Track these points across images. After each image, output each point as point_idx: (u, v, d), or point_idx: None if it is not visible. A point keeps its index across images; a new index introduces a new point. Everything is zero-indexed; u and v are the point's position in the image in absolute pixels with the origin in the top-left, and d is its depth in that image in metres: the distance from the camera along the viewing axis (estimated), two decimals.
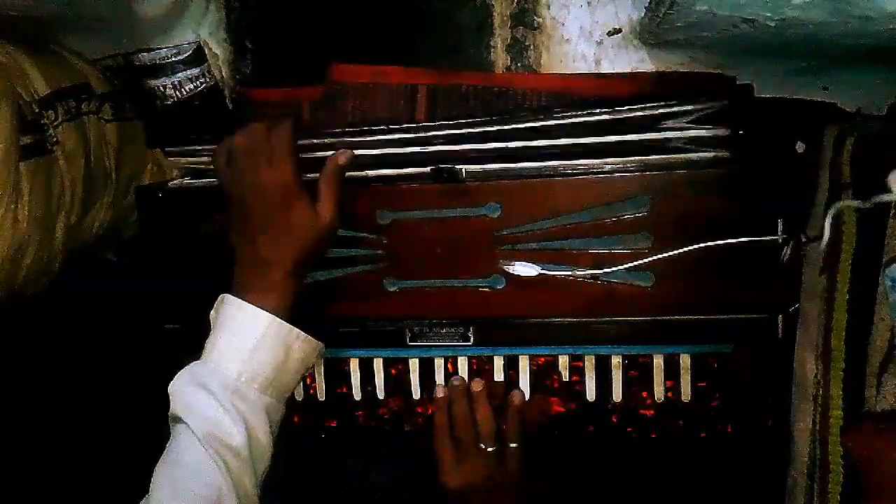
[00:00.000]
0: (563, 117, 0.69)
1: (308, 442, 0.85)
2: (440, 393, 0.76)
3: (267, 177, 0.61)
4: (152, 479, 0.54)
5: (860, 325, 0.55)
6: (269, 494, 0.86)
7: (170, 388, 0.58)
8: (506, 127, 0.70)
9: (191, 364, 0.59)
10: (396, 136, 0.72)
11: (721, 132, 0.66)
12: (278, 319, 0.60)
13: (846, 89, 0.66)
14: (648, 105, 0.67)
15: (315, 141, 0.73)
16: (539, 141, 0.69)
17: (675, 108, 0.66)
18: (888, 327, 0.53)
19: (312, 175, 0.65)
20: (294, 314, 0.62)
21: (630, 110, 0.67)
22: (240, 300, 0.60)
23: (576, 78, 0.70)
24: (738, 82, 0.68)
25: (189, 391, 0.57)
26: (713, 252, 0.64)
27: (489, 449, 0.73)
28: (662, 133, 0.68)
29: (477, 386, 0.75)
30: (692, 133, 0.67)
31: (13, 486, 0.76)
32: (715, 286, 0.67)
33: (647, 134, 0.68)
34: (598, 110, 0.68)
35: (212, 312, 0.62)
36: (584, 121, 0.68)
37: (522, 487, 0.73)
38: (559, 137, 0.69)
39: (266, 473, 0.59)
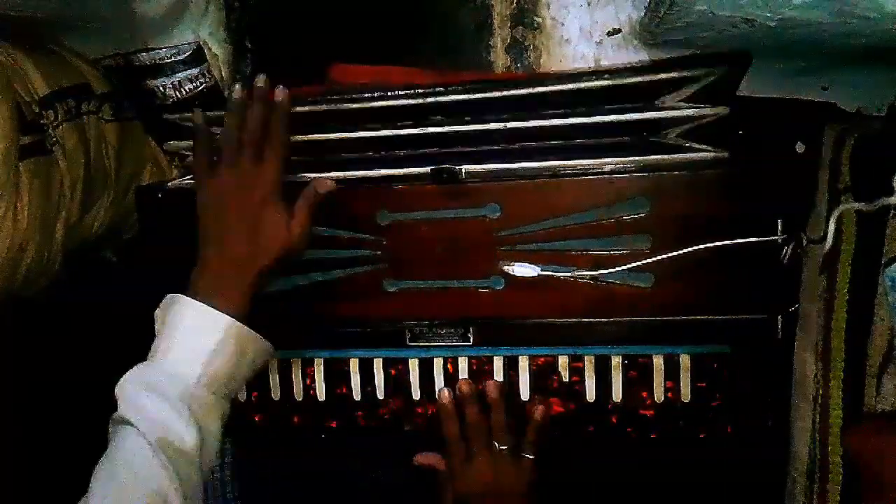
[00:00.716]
0: (562, 82, 0.67)
1: (308, 442, 0.85)
2: (445, 398, 0.75)
3: (251, 179, 0.62)
4: (92, 480, 0.53)
5: (860, 325, 0.55)
6: (268, 495, 0.87)
7: (117, 390, 0.57)
8: (502, 93, 0.68)
9: (139, 365, 0.58)
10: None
11: (720, 110, 0.66)
12: (238, 323, 0.60)
13: (846, 89, 0.66)
14: (646, 70, 0.66)
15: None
16: (537, 122, 0.68)
17: (672, 74, 0.65)
18: (888, 327, 0.53)
19: (306, 176, 0.65)
20: (251, 318, 0.62)
21: (627, 75, 0.66)
22: (198, 302, 0.59)
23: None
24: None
25: (140, 394, 0.56)
26: (713, 253, 0.64)
27: (502, 447, 0.73)
28: (662, 112, 0.67)
29: (493, 392, 0.74)
30: (690, 112, 0.66)
31: (12, 487, 0.76)
32: (715, 287, 0.67)
33: (645, 113, 0.67)
34: (594, 76, 0.67)
35: (157, 311, 0.61)
36: (582, 86, 0.67)
37: (534, 496, 0.73)
38: (558, 108, 0.68)
39: (212, 465, 0.60)
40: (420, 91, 0.70)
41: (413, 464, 0.80)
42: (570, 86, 0.67)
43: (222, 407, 0.60)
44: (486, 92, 0.69)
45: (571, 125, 0.69)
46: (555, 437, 0.76)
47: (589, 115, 0.68)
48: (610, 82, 0.66)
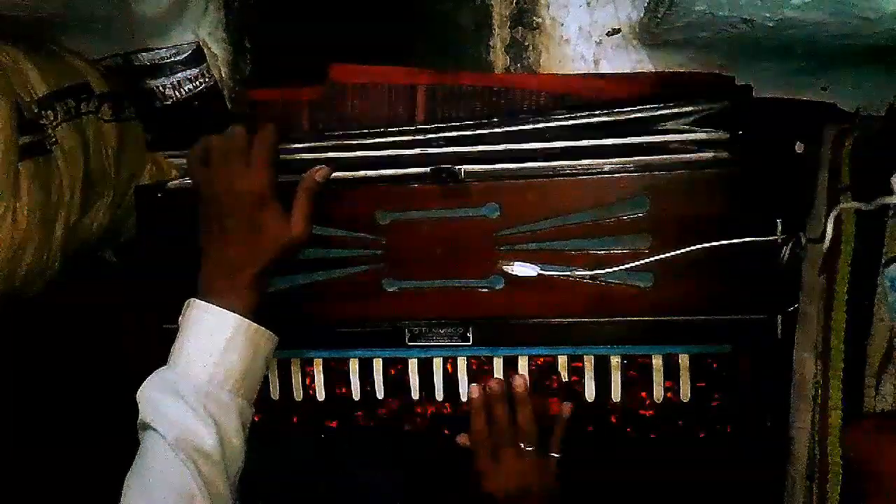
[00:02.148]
0: (561, 119, 0.69)
1: (308, 442, 0.85)
2: (475, 393, 0.75)
3: (242, 181, 0.61)
4: (123, 489, 0.54)
5: (859, 325, 0.55)
6: (268, 495, 0.87)
7: (138, 396, 0.58)
8: (504, 129, 0.70)
9: (158, 370, 0.59)
10: (395, 138, 0.72)
11: (720, 135, 0.66)
12: (246, 320, 0.60)
13: (845, 89, 0.66)
14: (647, 107, 0.67)
15: (313, 145, 0.73)
16: (537, 143, 0.69)
17: (674, 110, 0.66)
18: (887, 327, 0.53)
19: (297, 177, 0.65)
20: (259, 315, 0.62)
21: (629, 112, 0.67)
22: (206, 303, 0.60)
23: (575, 78, 0.70)
24: (737, 82, 0.68)
25: (158, 397, 0.57)
26: (712, 252, 0.64)
27: (528, 448, 0.72)
28: (661, 136, 0.68)
29: (520, 387, 0.74)
30: (691, 136, 0.67)
31: (11, 489, 0.76)
32: (714, 286, 0.67)
33: (646, 137, 0.68)
34: (596, 112, 0.68)
35: (180, 318, 0.62)
36: (583, 122, 0.68)
37: (559, 496, 0.72)
38: (557, 139, 0.69)
39: (240, 474, 0.59)
40: (420, 127, 0.71)
41: (456, 443, 0.78)
42: (572, 122, 0.68)
43: (240, 407, 0.59)
44: (489, 129, 0.70)
45: (573, 148, 0.69)
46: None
47: (590, 139, 0.69)
48: (611, 118, 0.67)
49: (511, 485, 0.72)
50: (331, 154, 0.73)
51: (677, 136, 0.68)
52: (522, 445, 0.73)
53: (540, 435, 0.74)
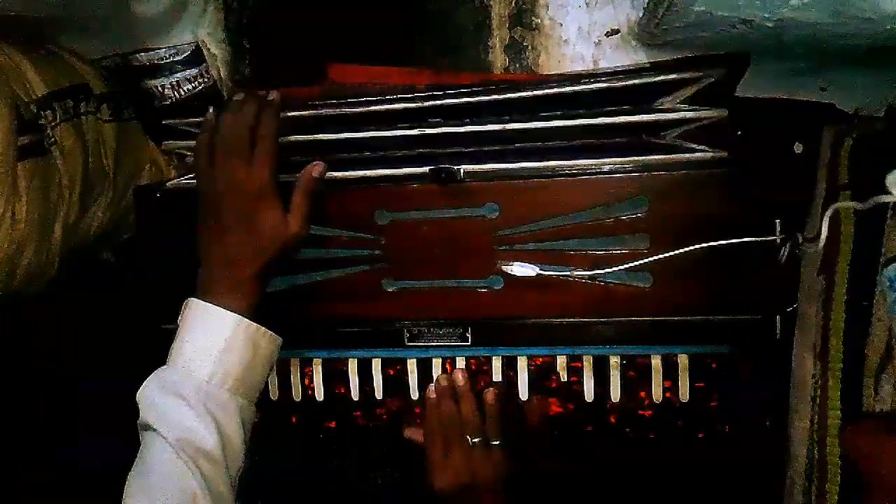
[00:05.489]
0: (559, 85, 0.68)
1: (307, 442, 0.85)
2: (432, 394, 0.76)
3: (244, 178, 0.62)
4: (125, 490, 0.54)
5: (858, 325, 0.55)
6: (267, 495, 0.87)
7: (138, 396, 0.58)
8: (501, 96, 0.69)
9: (158, 370, 0.59)
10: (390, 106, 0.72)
11: (719, 113, 0.66)
12: (245, 319, 0.60)
13: (844, 90, 0.66)
14: (644, 72, 0.66)
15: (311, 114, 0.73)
16: (535, 123, 0.68)
17: (671, 76, 0.66)
18: (886, 327, 0.53)
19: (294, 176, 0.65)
20: (260, 314, 0.62)
21: (626, 77, 0.66)
22: (205, 303, 0.60)
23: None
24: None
25: (158, 397, 0.57)
26: (711, 252, 0.64)
27: (474, 440, 0.72)
28: (659, 115, 0.67)
29: (461, 381, 0.75)
30: (689, 114, 0.67)
31: (11, 489, 0.76)
32: (713, 287, 0.67)
33: (644, 115, 0.67)
34: (594, 78, 0.67)
35: (179, 318, 0.62)
36: (581, 89, 0.67)
37: (509, 487, 0.72)
38: (557, 111, 0.68)
39: (241, 473, 0.59)
40: (419, 95, 0.70)
41: (404, 437, 0.79)
42: (569, 89, 0.67)
43: (241, 406, 0.59)
44: (485, 95, 0.69)
45: (570, 127, 0.69)
46: (553, 437, 0.77)
47: (587, 118, 0.68)
48: (608, 85, 0.67)
49: (459, 481, 0.72)
50: (326, 136, 0.73)
51: (675, 114, 0.67)
52: (469, 438, 0.73)
53: (484, 429, 0.74)
